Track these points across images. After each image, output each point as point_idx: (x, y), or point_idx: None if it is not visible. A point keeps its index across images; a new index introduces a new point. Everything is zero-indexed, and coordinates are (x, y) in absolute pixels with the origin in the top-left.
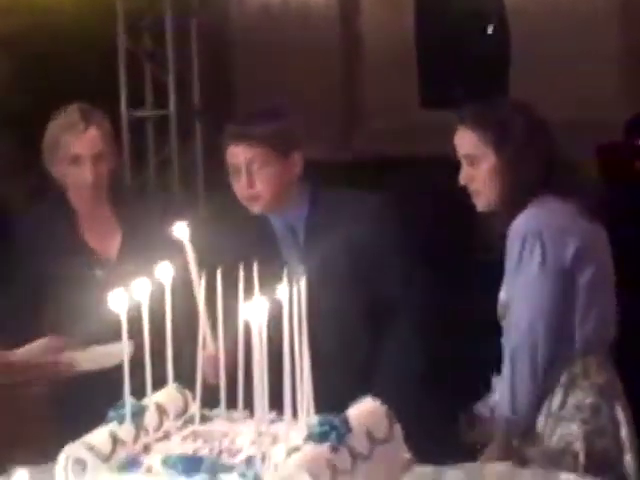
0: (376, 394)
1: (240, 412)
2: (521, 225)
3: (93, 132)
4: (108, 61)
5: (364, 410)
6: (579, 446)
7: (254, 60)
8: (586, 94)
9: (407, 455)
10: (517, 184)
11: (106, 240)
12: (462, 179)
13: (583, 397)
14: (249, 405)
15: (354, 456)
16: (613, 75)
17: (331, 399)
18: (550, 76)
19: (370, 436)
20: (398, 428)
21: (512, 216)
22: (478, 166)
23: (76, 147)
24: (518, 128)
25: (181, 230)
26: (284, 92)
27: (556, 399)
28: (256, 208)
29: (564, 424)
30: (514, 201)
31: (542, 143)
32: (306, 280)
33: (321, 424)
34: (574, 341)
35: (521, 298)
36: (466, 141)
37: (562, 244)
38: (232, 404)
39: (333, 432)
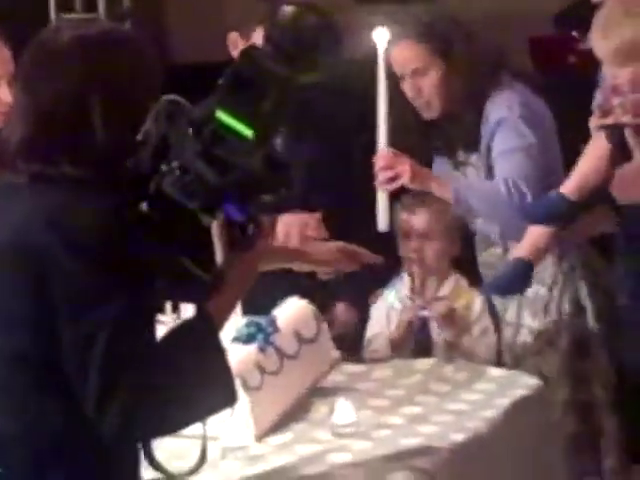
0: None
1: None
2: (499, 106)
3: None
4: None
5: (291, 310)
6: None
7: None
8: None
9: (335, 353)
10: (471, 84)
11: None
12: (410, 92)
13: None
14: None
15: (281, 356)
16: None
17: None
18: None
19: (298, 336)
20: (325, 327)
21: (472, 112)
22: (425, 77)
23: None
24: (459, 32)
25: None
26: None
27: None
28: None
29: None
30: (472, 99)
31: (481, 43)
32: None
33: (248, 325)
34: None
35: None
36: (412, 55)
37: (540, 119)
38: None
39: (260, 333)
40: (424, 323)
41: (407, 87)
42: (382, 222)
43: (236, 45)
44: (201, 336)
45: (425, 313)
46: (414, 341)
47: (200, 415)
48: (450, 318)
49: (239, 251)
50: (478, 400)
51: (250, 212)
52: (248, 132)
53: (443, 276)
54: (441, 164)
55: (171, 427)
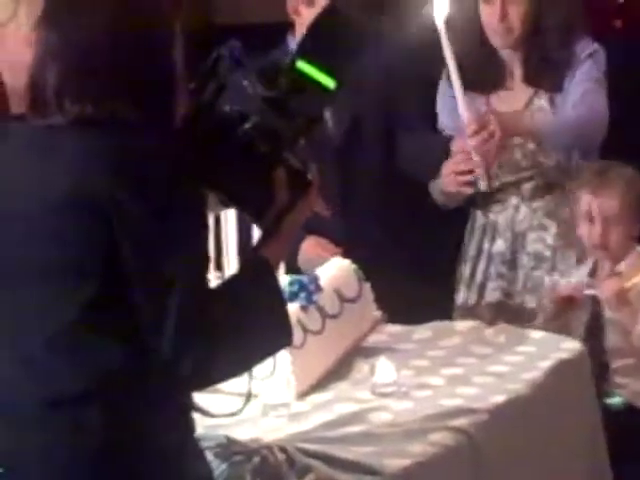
0: None
1: None
2: (590, 44)
3: None
4: None
5: (334, 269)
6: None
7: None
8: None
9: (376, 314)
10: (561, 19)
11: None
12: (492, 16)
13: None
14: None
15: (324, 315)
16: None
17: None
18: None
19: (340, 295)
20: (367, 287)
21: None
22: (515, 3)
23: None
24: None
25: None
26: None
27: None
28: None
29: None
30: (564, 37)
31: None
32: None
33: (291, 284)
34: None
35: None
36: None
37: None
38: None
39: (303, 292)
40: (595, 303)
41: (490, 10)
42: (483, 183)
43: (297, 10)
44: (262, 279)
45: (591, 291)
46: (586, 322)
47: (263, 356)
48: (621, 298)
49: (299, 197)
50: (519, 362)
51: (305, 158)
52: (331, 83)
53: (622, 253)
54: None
55: (239, 369)
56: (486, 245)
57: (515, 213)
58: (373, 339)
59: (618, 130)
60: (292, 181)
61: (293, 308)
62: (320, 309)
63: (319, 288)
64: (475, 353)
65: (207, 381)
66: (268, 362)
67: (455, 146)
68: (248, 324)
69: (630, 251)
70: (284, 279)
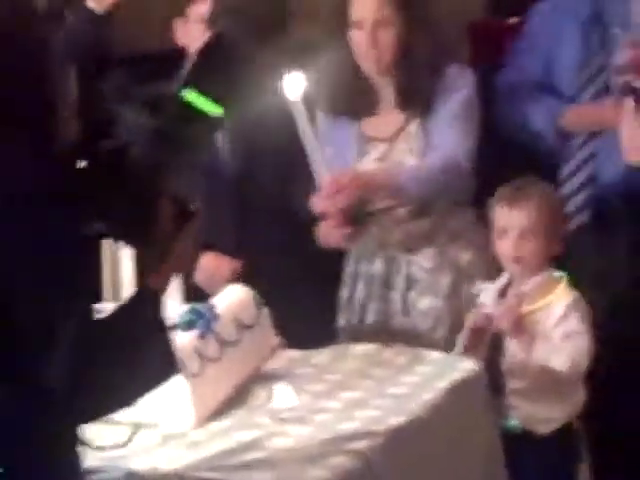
0: None
1: None
2: (461, 74)
3: None
4: None
5: (231, 296)
6: None
7: None
8: None
9: (275, 340)
10: (430, 46)
11: None
12: (364, 42)
13: None
14: None
15: (221, 343)
16: None
17: None
18: None
19: (238, 322)
20: (265, 313)
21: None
22: (385, 30)
23: None
24: None
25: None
26: None
27: None
28: None
29: None
30: (433, 63)
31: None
32: None
33: (188, 312)
34: None
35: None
36: (377, 5)
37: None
38: None
39: (200, 320)
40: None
41: (362, 36)
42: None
43: (184, 34)
44: (144, 310)
45: (489, 313)
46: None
47: (149, 386)
48: (518, 326)
49: (183, 227)
50: (416, 383)
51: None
52: (218, 111)
53: (535, 271)
54: (345, 132)
55: (125, 400)
56: (364, 267)
57: (390, 235)
58: (271, 364)
59: (506, 151)
60: (176, 211)
61: (190, 336)
62: (218, 337)
63: (216, 316)
64: (373, 376)
65: (93, 413)
66: (167, 391)
67: (315, 205)
68: (132, 355)
69: (541, 271)
70: (181, 308)
